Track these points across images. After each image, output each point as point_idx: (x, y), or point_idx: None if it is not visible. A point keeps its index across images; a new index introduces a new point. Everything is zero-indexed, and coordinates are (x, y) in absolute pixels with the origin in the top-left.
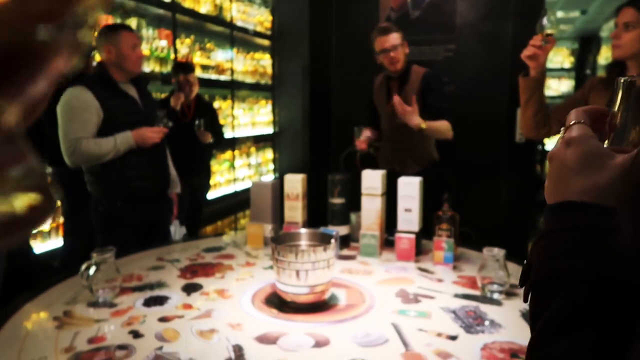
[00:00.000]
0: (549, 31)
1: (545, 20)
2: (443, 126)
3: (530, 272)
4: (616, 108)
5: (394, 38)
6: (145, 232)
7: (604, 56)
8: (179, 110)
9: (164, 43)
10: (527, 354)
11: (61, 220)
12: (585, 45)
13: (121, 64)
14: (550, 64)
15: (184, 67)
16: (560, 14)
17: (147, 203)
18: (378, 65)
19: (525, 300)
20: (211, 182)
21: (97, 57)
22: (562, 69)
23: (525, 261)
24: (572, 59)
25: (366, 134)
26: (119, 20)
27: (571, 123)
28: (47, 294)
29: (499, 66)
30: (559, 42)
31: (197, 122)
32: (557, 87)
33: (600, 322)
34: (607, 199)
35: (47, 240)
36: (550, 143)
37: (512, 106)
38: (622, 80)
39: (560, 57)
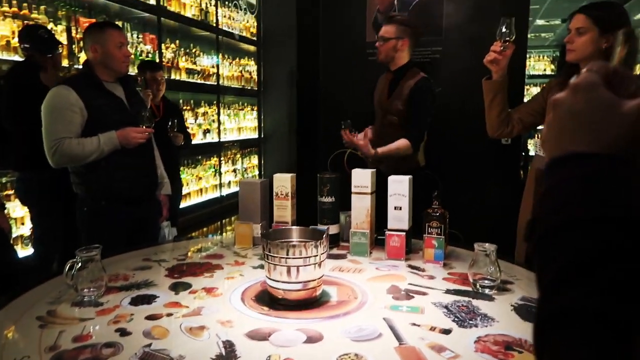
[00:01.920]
0: (507, 37)
1: (504, 28)
2: (400, 148)
3: (536, 226)
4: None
5: (386, 30)
6: (130, 233)
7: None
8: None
9: (148, 47)
10: (539, 306)
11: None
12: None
13: (107, 63)
14: (532, 71)
15: (150, 65)
16: (541, 22)
17: (133, 204)
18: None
19: (531, 253)
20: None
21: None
22: (544, 76)
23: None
24: (552, 66)
25: (367, 134)
26: None
27: (583, 71)
28: (30, 293)
29: (485, 68)
30: (540, 50)
31: (170, 123)
32: None
33: (621, 263)
34: (616, 147)
35: (29, 246)
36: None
37: None
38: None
39: (542, 65)
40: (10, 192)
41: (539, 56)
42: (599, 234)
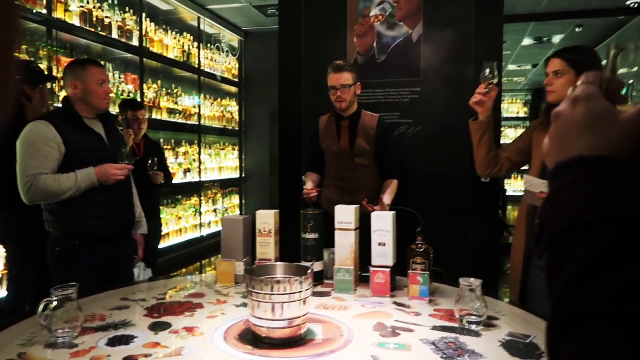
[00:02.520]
0: (490, 79)
1: (487, 72)
2: (395, 188)
3: (544, 231)
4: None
5: (345, 78)
6: (104, 273)
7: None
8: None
9: (130, 87)
10: (553, 309)
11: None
12: (538, 96)
13: (87, 99)
14: (506, 114)
15: (132, 103)
16: (513, 66)
17: (108, 243)
18: (328, 103)
19: (539, 257)
20: (162, 228)
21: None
22: (518, 118)
23: (537, 222)
24: (525, 108)
25: (311, 183)
26: None
27: (578, 83)
28: (1, 335)
29: (462, 107)
30: (513, 93)
31: (149, 161)
32: (514, 135)
33: (633, 263)
34: (619, 152)
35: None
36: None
37: None
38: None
39: (516, 107)
40: None
41: (512, 99)
42: (611, 234)
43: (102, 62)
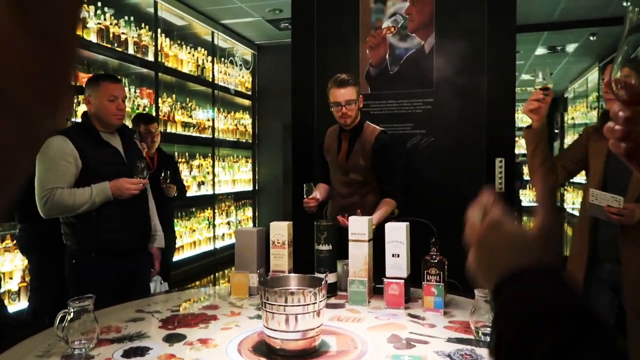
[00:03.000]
0: (546, 84)
1: (540, 76)
2: (388, 209)
3: (500, 338)
4: None
5: (349, 93)
6: (120, 286)
7: (571, 115)
8: None
9: (145, 101)
10: None
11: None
12: (552, 105)
13: (99, 115)
14: (520, 124)
15: (145, 117)
16: (526, 76)
17: (123, 257)
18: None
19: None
20: (176, 240)
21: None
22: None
23: (491, 330)
24: None
25: (315, 194)
26: None
27: (486, 206)
28: (18, 347)
29: (475, 118)
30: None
31: (162, 174)
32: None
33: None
34: (542, 260)
35: (16, 301)
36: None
37: (490, 156)
38: None
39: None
40: (0, 245)
41: None
42: (564, 331)
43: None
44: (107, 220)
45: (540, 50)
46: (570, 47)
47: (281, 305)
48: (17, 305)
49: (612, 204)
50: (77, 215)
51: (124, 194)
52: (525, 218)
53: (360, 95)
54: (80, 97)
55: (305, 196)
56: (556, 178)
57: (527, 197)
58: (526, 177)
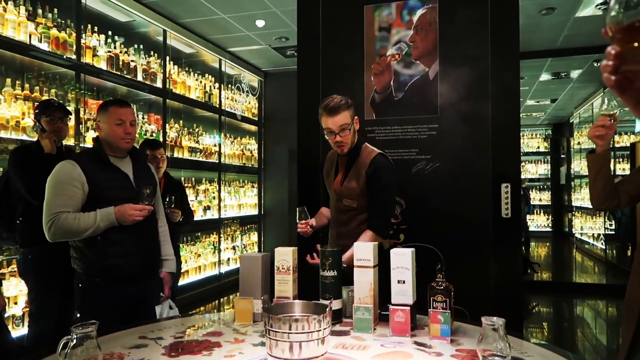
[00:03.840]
0: (613, 112)
1: (606, 104)
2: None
3: None
4: None
5: (342, 118)
6: (126, 310)
7: (577, 140)
8: None
9: (153, 127)
10: None
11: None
12: (558, 131)
13: (108, 139)
14: (526, 149)
15: (151, 143)
16: (531, 102)
17: (128, 281)
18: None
19: None
20: (182, 265)
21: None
22: (538, 153)
23: None
24: (546, 143)
25: (309, 220)
26: None
27: None
28: None
29: (481, 143)
30: (533, 128)
31: (167, 199)
32: (534, 170)
33: None
34: None
35: (20, 326)
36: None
37: (496, 182)
38: None
39: (536, 143)
40: (5, 270)
41: (532, 134)
42: None
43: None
44: (112, 245)
45: (545, 76)
46: (575, 73)
47: (285, 333)
48: (21, 331)
49: None
50: (83, 240)
51: (127, 220)
52: (532, 244)
53: (356, 117)
54: (89, 123)
55: (297, 220)
56: (617, 203)
57: (535, 223)
58: (533, 202)
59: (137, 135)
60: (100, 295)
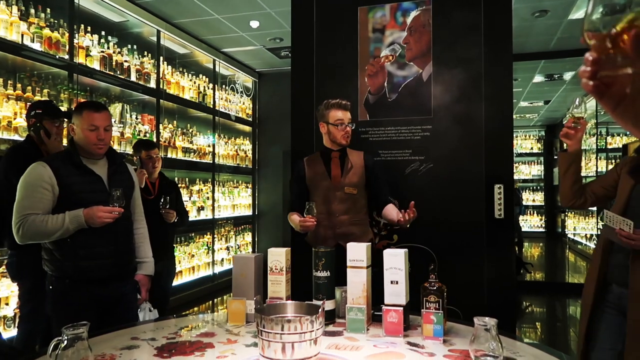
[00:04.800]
0: (577, 115)
1: (576, 106)
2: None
3: None
4: None
5: (347, 115)
6: (99, 314)
7: None
8: (142, 187)
9: (146, 127)
10: None
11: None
12: (551, 132)
13: (80, 143)
14: (519, 150)
15: (146, 143)
16: (524, 103)
17: (99, 284)
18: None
19: None
20: (176, 266)
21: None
22: (531, 154)
23: None
24: (539, 145)
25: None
26: None
27: None
28: None
29: (474, 145)
30: (526, 130)
31: (162, 200)
32: (528, 170)
33: None
34: None
35: (11, 328)
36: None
37: (488, 182)
38: None
39: (529, 144)
40: None
41: (526, 135)
42: None
43: (120, 104)
44: (81, 247)
45: (538, 78)
46: (568, 75)
47: (277, 333)
48: (13, 332)
49: (623, 227)
50: (54, 242)
51: (95, 222)
52: (526, 244)
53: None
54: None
55: (305, 214)
56: (584, 202)
57: (528, 224)
58: (525, 203)
59: (130, 136)
60: (71, 297)
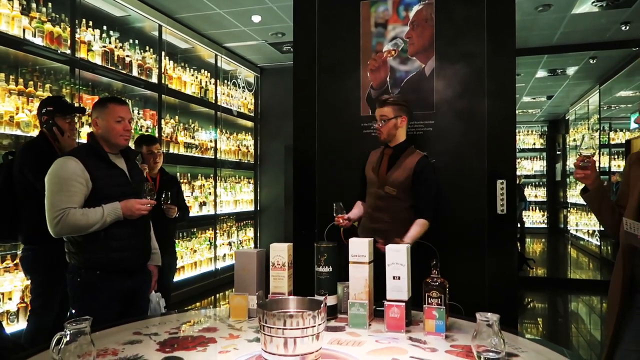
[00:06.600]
0: (584, 153)
1: (582, 144)
2: (421, 231)
3: None
4: None
5: (385, 111)
6: (123, 304)
7: (573, 137)
8: None
9: (148, 122)
10: None
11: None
12: (554, 127)
13: (106, 136)
14: (522, 145)
15: (147, 138)
16: (527, 99)
17: (126, 275)
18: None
19: None
20: (177, 261)
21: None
22: (534, 149)
23: None
24: (542, 140)
25: (348, 214)
26: None
27: None
28: None
29: (476, 140)
30: (529, 125)
31: (163, 195)
32: (530, 166)
33: None
34: None
35: (14, 322)
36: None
37: (491, 178)
38: None
39: (532, 139)
40: (0, 265)
41: (528, 131)
42: None
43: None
44: (114, 240)
45: (541, 73)
46: (571, 70)
47: (279, 329)
48: (16, 326)
49: None
50: (85, 235)
51: (134, 214)
52: (528, 240)
53: (402, 116)
54: (84, 118)
55: (335, 215)
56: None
57: (530, 219)
58: (529, 199)
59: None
60: (100, 289)
